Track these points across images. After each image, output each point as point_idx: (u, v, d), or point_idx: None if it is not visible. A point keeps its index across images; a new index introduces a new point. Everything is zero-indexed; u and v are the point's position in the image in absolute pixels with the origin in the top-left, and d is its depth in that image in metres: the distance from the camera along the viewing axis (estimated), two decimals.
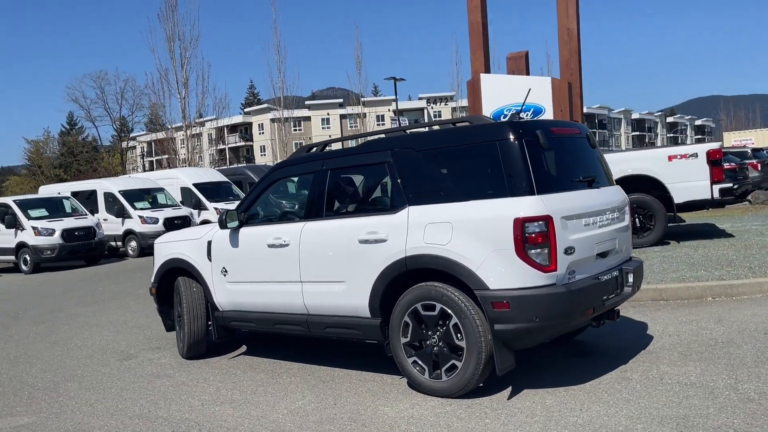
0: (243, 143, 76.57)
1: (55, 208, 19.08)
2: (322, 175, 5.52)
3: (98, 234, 18.41)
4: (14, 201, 18.64)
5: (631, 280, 5.11)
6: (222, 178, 23.11)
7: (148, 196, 20.84)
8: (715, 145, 10.71)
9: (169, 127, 34.16)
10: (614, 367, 5.07)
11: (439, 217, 4.69)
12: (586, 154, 5.28)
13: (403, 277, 4.82)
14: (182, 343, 6.38)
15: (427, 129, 5.64)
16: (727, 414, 3.99)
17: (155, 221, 19.61)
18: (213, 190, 21.77)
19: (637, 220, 10.76)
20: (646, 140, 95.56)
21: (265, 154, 69.68)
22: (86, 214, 19.07)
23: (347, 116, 66.29)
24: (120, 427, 4.61)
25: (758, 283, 7.33)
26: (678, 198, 10.63)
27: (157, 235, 18.66)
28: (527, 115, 9.44)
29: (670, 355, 5.29)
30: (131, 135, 72.77)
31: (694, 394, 4.37)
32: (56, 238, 17.58)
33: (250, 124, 76.00)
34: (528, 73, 10.27)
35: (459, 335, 4.56)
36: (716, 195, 10.51)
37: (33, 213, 18.30)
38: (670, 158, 10.74)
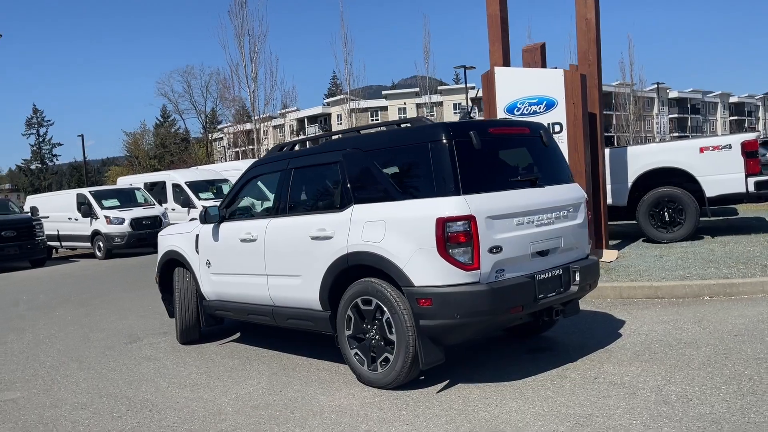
0: (322, 134, 78.06)
1: (126, 198, 20.39)
2: (286, 174, 5.84)
3: (164, 223, 19.54)
4: (90, 192, 20.07)
5: (578, 278, 5.12)
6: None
7: (212, 187, 21.84)
8: (750, 136, 10.21)
9: (256, 117, 35.23)
10: (559, 365, 5.11)
11: (375, 216, 4.89)
12: (534, 153, 5.31)
13: (347, 272, 5.05)
14: (177, 329, 6.88)
15: (375, 130, 5.80)
16: (632, 415, 4.00)
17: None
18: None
19: (666, 214, 10.45)
20: (745, 125, 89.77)
21: None
22: (154, 204, 20.27)
23: (423, 105, 66.20)
24: (87, 404, 5.11)
25: (761, 283, 7.05)
26: (710, 191, 10.23)
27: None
28: (540, 108, 9.35)
29: (623, 355, 5.26)
30: (218, 126, 75.66)
31: (615, 394, 4.38)
32: (125, 227, 18.82)
33: (329, 114, 77.39)
34: (545, 65, 10.10)
35: (391, 329, 4.75)
36: (751, 188, 10.04)
37: (106, 203, 19.65)
38: (701, 150, 10.33)
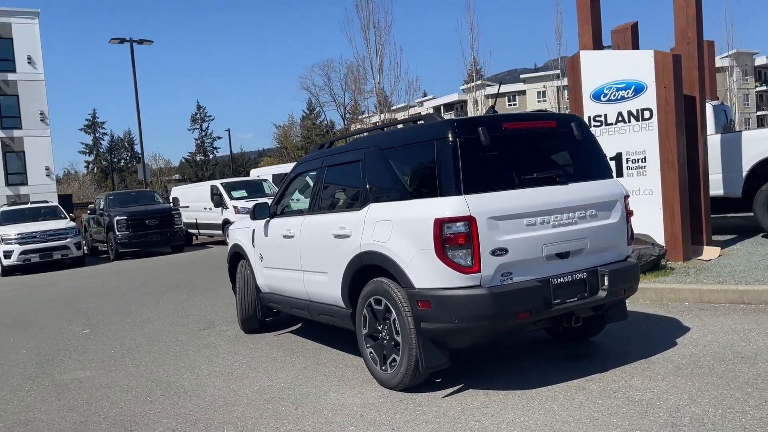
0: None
1: (254, 189, 21.61)
2: (321, 172, 5.94)
3: None
4: (221, 183, 21.51)
5: (607, 282, 4.73)
6: None
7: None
8: None
9: (392, 108, 35.87)
10: (586, 375, 4.77)
11: (385, 215, 4.84)
12: (561, 148, 4.96)
13: (362, 271, 5.05)
14: (238, 318, 7.25)
15: (396, 127, 5.68)
16: None
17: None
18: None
19: None
20: None
21: None
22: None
23: (564, 88, 63.48)
24: (132, 387, 5.55)
25: None
26: None
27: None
28: (628, 93, 8.65)
29: (662, 367, 4.80)
30: (359, 117, 77.70)
31: (624, 412, 4.02)
32: None
33: (465, 101, 76.69)
34: (636, 47, 9.29)
35: (397, 331, 4.70)
36: None
37: (235, 194, 20.96)
38: None
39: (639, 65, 8.48)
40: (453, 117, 4.78)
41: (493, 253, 4.35)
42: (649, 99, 8.43)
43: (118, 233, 19.22)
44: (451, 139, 4.50)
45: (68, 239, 18.83)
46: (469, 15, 36.07)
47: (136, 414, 4.82)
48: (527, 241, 4.47)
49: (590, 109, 9.02)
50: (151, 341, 7.35)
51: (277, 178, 23.32)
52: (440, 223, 4.32)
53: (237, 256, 7.37)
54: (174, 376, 5.77)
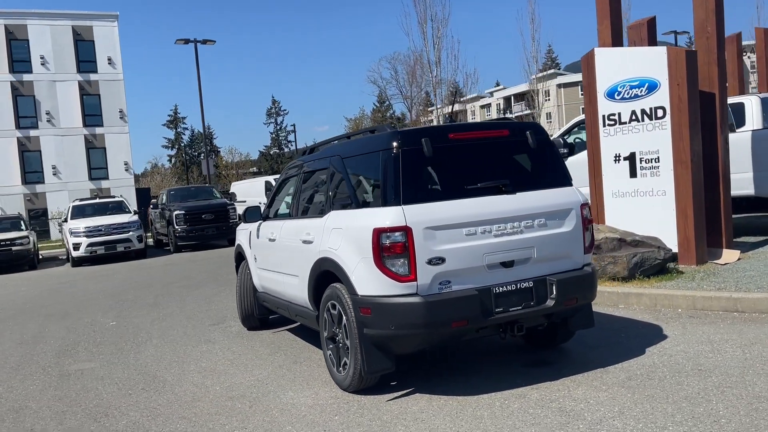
0: (529, 111, 76.13)
1: None
2: (299, 178, 6.18)
3: None
4: (274, 179, 22.17)
5: (555, 292, 4.73)
6: None
7: None
8: None
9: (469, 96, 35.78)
10: (535, 383, 4.80)
11: (338, 223, 5.02)
12: (513, 157, 4.98)
13: (322, 276, 5.25)
14: (239, 316, 7.61)
15: (357, 137, 5.80)
16: None
17: None
18: None
19: None
20: None
21: (550, 121, 68.42)
22: None
23: None
24: (123, 379, 5.97)
25: None
26: None
27: None
28: (641, 91, 8.40)
29: (613, 378, 4.77)
30: (429, 109, 77.48)
31: (548, 422, 4.05)
32: None
33: (537, 91, 75.00)
34: (654, 43, 8.96)
35: (347, 334, 4.88)
36: None
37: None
38: None
39: (652, 62, 8.25)
40: (414, 127, 4.87)
41: (430, 262, 4.45)
42: (662, 97, 8.20)
43: (176, 227, 20.19)
44: (393, 150, 4.62)
45: (131, 232, 19.94)
46: (530, 5, 35.34)
47: (111, 406, 5.21)
48: (466, 250, 4.54)
49: (604, 107, 8.85)
50: (162, 334, 7.82)
51: None
52: (378, 233, 4.46)
53: (240, 256, 7.72)
54: (162, 370, 6.17)
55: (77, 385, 5.90)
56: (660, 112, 8.23)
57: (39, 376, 6.39)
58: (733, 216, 12.17)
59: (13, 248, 20.03)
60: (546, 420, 4.09)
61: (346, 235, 4.83)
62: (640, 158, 8.51)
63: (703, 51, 8.44)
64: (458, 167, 4.82)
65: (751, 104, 12.17)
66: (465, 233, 4.55)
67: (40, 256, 24.56)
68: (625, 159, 8.69)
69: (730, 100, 12.54)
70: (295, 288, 5.84)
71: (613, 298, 7.11)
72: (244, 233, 7.53)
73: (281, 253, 6.14)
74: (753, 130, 9.72)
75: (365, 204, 4.84)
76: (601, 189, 9.00)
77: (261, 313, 7.31)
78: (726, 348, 5.21)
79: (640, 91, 8.43)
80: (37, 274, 18.77)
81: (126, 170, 42.24)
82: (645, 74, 8.36)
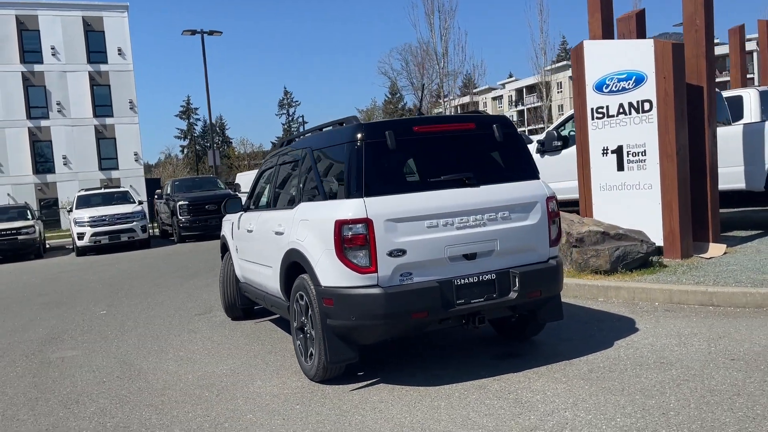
0: (540, 103, 75.64)
1: None
2: (275, 169, 6.23)
3: None
4: None
5: (518, 284, 4.76)
6: None
7: None
8: None
9: (481, 87, 35.69)
10: (499, 374, 4.84)
11: (305, 215, 5.08)
12: (479, 150, 5.00)
13: (292, 267, 5.31)
14: (222, 306, 7.70)
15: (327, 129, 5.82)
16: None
17: None
18: None
19: None
20: None
21: (562, 113, 67.91)
22: None
23: None
24: (102, 367, 6.07)
25: None
26: None
27: None
28: (629, 84, 8.36)
29: (576, 370, 4.80)
30: (439, 100, 77.19)
31: (502, 413, 4.08)
32: None
33: (548, 83, 74.54)
34: (643, 36, 8.88)
35: (313, 325, 4.93)
36: None
37: None
38: None
39: (639, 55, 8.21)
40: (378, 120, 4.90)
41: (391, 254, 4.49)
42: (649, 90, 8.15)
43: (180, 217, 20.34)
44: (357, 143, 4.66)
45: (134, 222, 20.15)
46: None
47: (83, 393, 5.31)
48: (428, 242, 4.57)
49: (593, 100, 8.82)
50: (147, 323, 7.93)
51: None
52: (340, 225, 4.50)
53: (224, 247, 7.80)
54: (140, 359, 6.26)
55: (55, 373, 6.01)
56: (647, 106, 8.19)
57: (21, 363, 6.51)
58: (731, 210, 12.12)
59: (19, 237, 20.30)
60: (500, 411, 4.13)
61: (312, 226, 4.88)
62: (627, 151, 8.48)
63: (691, 44, 8.38)
64: (422, 160, 4.86)
65: (750, 97, 12.08)
66: (427, 226, 4.58)
67: (48, 245, 24.89)
68: (612, 152, 8.67)
69: (729, 93, 12.46)
70: (269, 279, 5.90)
71: (593, 291, 7.12)
72: (227, 224, 7.60)
73: (258, 244, 6.21)
74: (744, 124, 9.64)
75: (332, 196, 4.88)
76: (589, 182, 8.98)
77: (244, 303, 7.39)
78: (693, 341, 5.22)
79: (628, 84, 8.39)
80: (41, 263, 19.02)
81: (136, 161, 42.56)
82: (632, 67, 8.32)
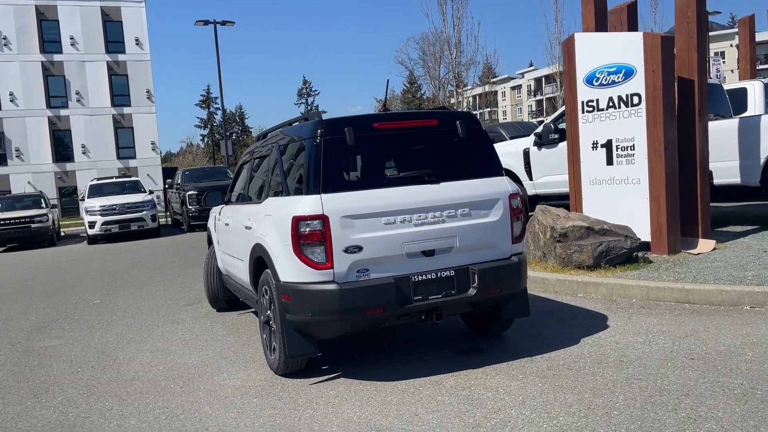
0: (558, 93, 74.62)
1: None
2: (250, 163, 6.28)
3: None
4: None
5: (477, 281, 4.76)
6: None
7: None
8: None
9: (497, 78, 35.45)
10: (459, 370, 4.86)
11: (269, 210, 5.12)
12: (441, 147, 4.99)
13: (258, 261, 5.36)
14: (207, 298, 7.79)
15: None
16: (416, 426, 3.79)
17: None
18: None
19: None
20: None
21: None
22: None
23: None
24: (80, 357, 6.19)
25: None
26: None
27: None
28: (618, 77, 8.25)
29: (536, 367, 4.80)
30: (460, 90, 76.67)
31: (450, 410, 4.11)
32: None
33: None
34: (635, 28, 8.74)
35: (275, 319, 4.99)
36: None
37: None
38: None
39: (629, 48, 8.10)
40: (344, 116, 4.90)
41: (347, 250, 4.52)
42: (638, 84, 8.05)
43: (189, 207, 20.54)
44: (317, 139, 4.68)
45: (144, 212, 20.39)
46: None
47: (55, 383, 5.43)
48: (384, 239, 4.59)
49: (583, 94, 8.73)
50: (135, 313, 8.06)
51: None
52: (296, 221, 4.54)
53: (210, 239, 7.89)
54: (118, 349, 6.38)
55: (34, 362, 6.15)
56: (636, 99, 8.09)
57: (5, 351, 6.66)
58: (734, 205, 11.92)
59: (33, 225, 20.65)
60: (448, 407, 4.16)
61: (273, 222, 4.92)
62: (617, 146, 8.39)
63: (682, 36, 8.25)
64: (382, 156, 4.87)
65: (754, 90, 11.88)
66: (384, 222, 4.60)
67: (63, 233, 25.30)
68: (602, 146, 8.59)
69: (732, 85, 12.26)
70: (242, 272, 5.97)
71: (573, 287, 7.09)
72: (212, 216, 7.69)
73: (234, 237, 6.27)
74: (740, 117, 9.48)
75: (294, 191, 4.92)
76: (579, 176, 8.91)
77: (226, 295, 7.47)
78: (658, 340, 5.18)
79: (617, 78, 8.29)
80: (53, 251, 19.35)
81: (153, 150, 43.00)
82: (622, 60, 8.22)
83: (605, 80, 8.45)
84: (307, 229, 4.51)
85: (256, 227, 5.33)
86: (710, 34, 55.14)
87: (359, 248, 4.53)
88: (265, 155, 5.77)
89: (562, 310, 6.44)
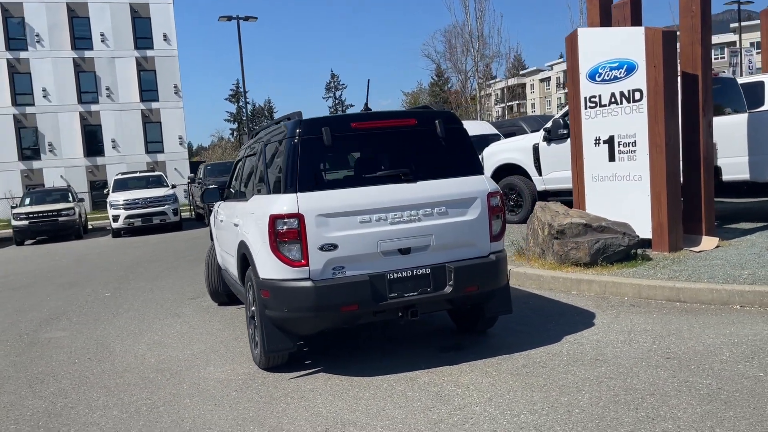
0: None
1: None
2: (243, 161, 6.41)
3: None
4: None
5: (453, 279, 4.81)
6: (490, 131, 23.54)
7: None
8: None
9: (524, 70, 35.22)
10: (435, 366, 4.92)
11: (252, 208, 5.24)
12: (419, 146, 5.04)
13: (243, 258, 5.48)
14: (208, 292, 7.97)
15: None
16: (374, 428, 3.86)
17: None
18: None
19: None
20: None
21: None
22: None
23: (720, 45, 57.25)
24: (79, 348, 6.40)
25: None
26: None
27: None
28: (620, 72, 8.18)
29: (511, 365, 4.84)
30: (488, 82, 76.05)
31: (417, 405, 4.18)
32: None
33: None
34: (639, 23, 8.62)
35: (256, 315, 5.11)
36: None
37: None
38: None
39: (630, 43, 8.02)
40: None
41: (322, 248, 4.61)
42: (639, 79, 7.98)
43: None
44: (294, 139, 4.78)
45: (166, 206, 20.78)
46: None
47: (51, 373, 5.64)
48: (360, 237, 4.67)
49: (586, 89, 8.68)
50: (141, 306, 8.28)
51: None
52: (273, 219, 4.64)
53: (211, 235, 8.06)
54: (117, 342, 6.58)
55: (36, 353, 6.38)
56: (637, 95, 8.02)
57: (12, 342, 6.92)
58: (749, 201, 11.70)
59: (60, 219, 21.21)
60: (416, 403, 4.23)
61: (254, 219, 5.04)
62: (618, 142, 8.33)
63: (687, 31, 8.14)
64: (360, 156, 4.94)
65: None
66: (359, 221, 4.67)
67: (90, 226, 25.92)
68: (604, 142, 8.53)
69: (748, 79, 12.01)
70: (232, 267, 6.11)
71: (568, 284, 7.08)
72: (213, 213, 7.85)
73: (226, 233, 6.42)
74: (749, 112, 9.31)
75: (274, 190, 5.03)
76: (582, 172, 8.86)
77: (226, 290, 7.62)
78: (639, 339, 5.18)
79: (619, 73, 8.22)
80: (78, 243, 19.86)
81: (180, 144, 43.65)
82: (624, 55, 8.14)
83: (607, 76, 8.38)
84: (284, 227, 4.61)
85: (241, 224, 5.45)
86: (743, 23, 54.06)
87: (334, 246, 4.62)
88: (253, 154, 5.89)
89: (552, 307, 6.45)
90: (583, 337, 5.35)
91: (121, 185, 22.06)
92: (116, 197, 20.76)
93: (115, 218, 20.40)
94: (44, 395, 5.08)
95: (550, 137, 11.30)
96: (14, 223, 21.23)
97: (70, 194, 23.16)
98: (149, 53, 42.24)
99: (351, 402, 4.36)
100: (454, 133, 5.12)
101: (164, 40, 42.38)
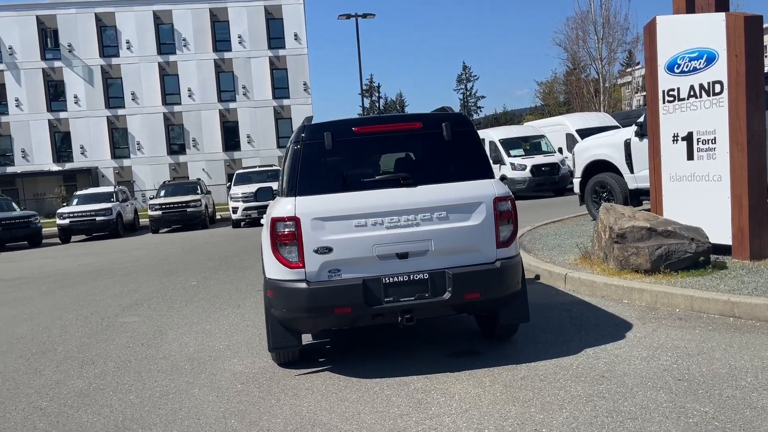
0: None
1: (533, 146, 22.29)
2: (283, 159, 6.65)
3: (562, 170, 20.82)
4: (499, 140, 22.43)
5: (452, 284, 4.72)
6: (610, 122, 22.40)
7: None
8: None
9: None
10: (436, 372, 4.86)
11: (268, 210, 5.44)
12: (423, 150, 4.97)
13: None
14: None
15: None
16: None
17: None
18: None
19: None
20: None
21: None
22: (554, 152, 21.68)
23: None
24: (139, 331, 6.96)
25: None
26: None
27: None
28: (700, 63, 7.48)
29: (517, 376, 4.67)
30: (628, 70, 72.05)
31: (398, 411, 4.17)
32: (526, 173, 20.93)
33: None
34: (725, 8, 7.77)
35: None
36: None
37: (513, 151, 21.95)
38: None
39: (710, 30, 7.36)
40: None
41: (317, 251, 4.71)
42: (719, 70, 7.30)
43: None
44: (297, 144, 4.91)
45: None
46: None
47: (104, 355, 6.18)
48: (355, 241, 4.71)
49: (664, 82, 8.07)
50: (213, 296, 8.83)
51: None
52: (274, 222, 4.81)
53: None
54: (172, 329, 7.06)
55: (105, 336, 7.03)
56: (717, 87, 7.33)
57: (92, 325, 7.66)
58: None
59: (188, 210, 22.98)
60: (393, 409, 4.22)
61: (265, 220, 5.24)
62: (697, 139, 7.67)
63: (761, 18, 7.30)
64: (361, 160, 4.97)
65: None
66: (355, 225, 4.71)
67: (218, 216, 27.78)
68: (683, 139, 7.89)
69: None
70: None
71: (619, 293, 6.65)
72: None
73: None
74: None
75: (281, 193, 5.20)
76: (659, 172, 8.26)
77: None
78: (662, 356, 4.79)
79: (699, 64, 7.56)
80: (202, 233, 21.40)
81: None
82: (704, 44, 7.47)
83: (686, 67, 7.74)
84: (283, 230, 4.76)
85: (264, 226, 5.68)
86: None
87: (329, 249, 4.70)
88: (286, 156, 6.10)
89: (592, 316, 6.10)
90: (604, 351, 5.03)
91: (244, 179, 23.40)
92: (236, 190, 22.09)
93: (234, 210, 21.74)
94: (87, 376, 5.60)
95: (643, 132, 10.58)
96: (150, 213, 23.29)
97: (198, 187, 24.96)
98: (281, 52, 44.33)
99: (335, 403, 4.42)
100: (462, 136, 5.00)
101: (295, 39, 44.27)
